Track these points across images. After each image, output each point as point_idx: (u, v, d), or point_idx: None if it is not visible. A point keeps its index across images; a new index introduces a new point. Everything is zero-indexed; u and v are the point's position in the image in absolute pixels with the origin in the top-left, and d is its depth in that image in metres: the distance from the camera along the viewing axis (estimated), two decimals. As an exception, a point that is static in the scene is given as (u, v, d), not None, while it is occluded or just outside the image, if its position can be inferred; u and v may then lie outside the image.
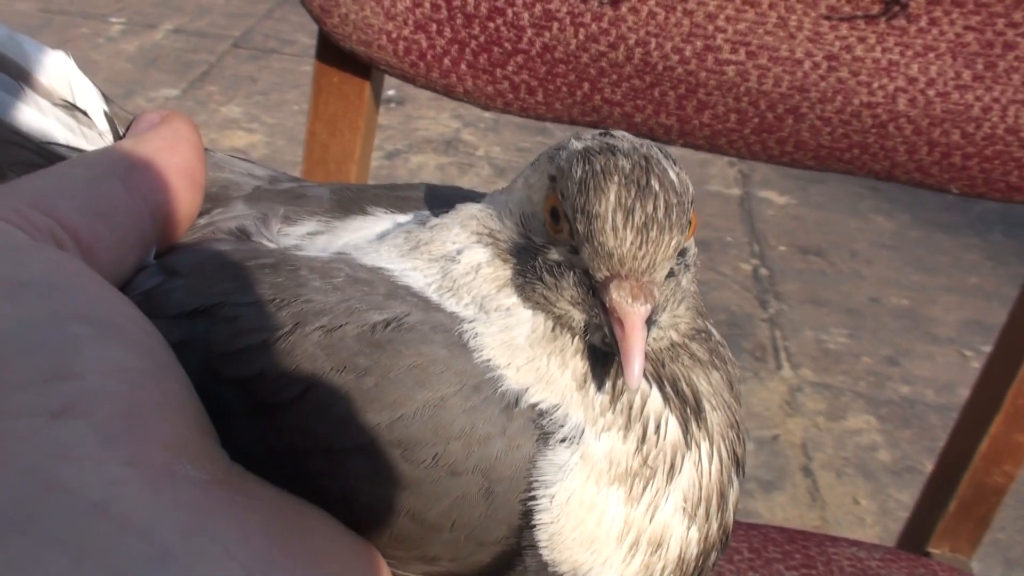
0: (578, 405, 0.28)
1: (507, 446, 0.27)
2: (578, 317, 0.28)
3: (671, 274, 0.29)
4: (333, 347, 0.27)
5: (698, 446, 0.30)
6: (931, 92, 0.59)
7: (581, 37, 0.61)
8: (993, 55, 0.58)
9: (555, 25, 0.61)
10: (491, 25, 0.61)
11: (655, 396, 0.29)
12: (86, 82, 0.36)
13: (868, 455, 1.63)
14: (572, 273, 0.28)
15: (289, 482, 0.26)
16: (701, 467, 0.30)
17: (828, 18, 0.59)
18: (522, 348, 0.28)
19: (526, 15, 0.60)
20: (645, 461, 0.28)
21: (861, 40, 0.59)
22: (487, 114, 2.55)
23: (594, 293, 0.28)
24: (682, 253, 0.29)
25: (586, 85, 0.62)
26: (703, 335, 0.32)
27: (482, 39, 0.61)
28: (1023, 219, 2.23)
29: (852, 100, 0.60)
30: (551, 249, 0.29)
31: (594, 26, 0.60)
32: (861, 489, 1.57)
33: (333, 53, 0.65)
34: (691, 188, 0.29)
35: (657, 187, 0.28)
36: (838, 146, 0.62)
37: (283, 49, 2.73)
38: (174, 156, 0.31)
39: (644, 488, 0.28)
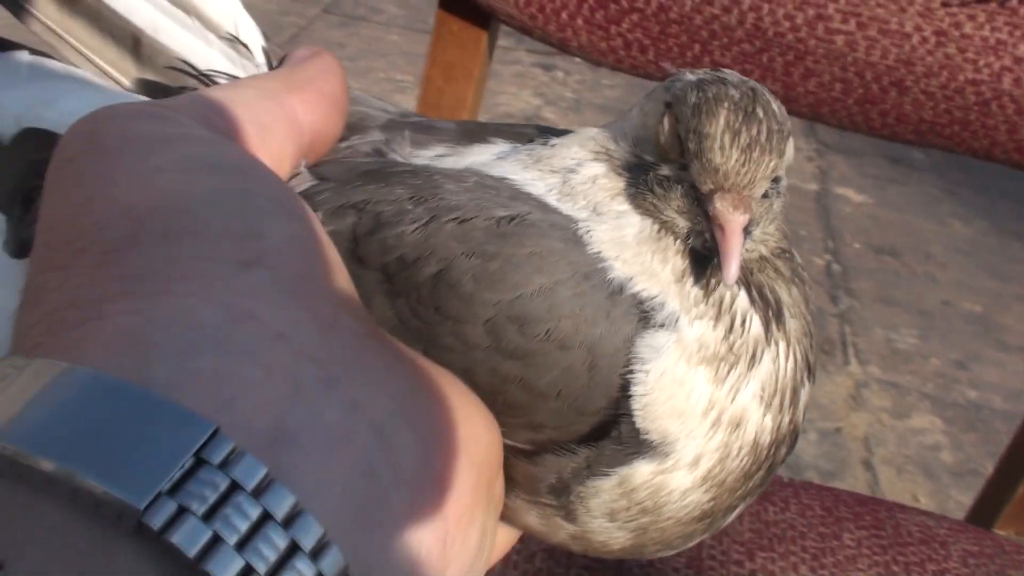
0: (675, 295, 0.32)
1: (610, 326, 0.31)
2: (682, 224, 0.32)
3: (766, 195, 0.32)
4: (464, 235, 0.31)
5: (776, 344, 0.33)
6: (1037, 72, 0.60)
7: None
8: (1102, 39, 0.59)
9: (672, -14, 0.63)
10: (610, -17, 0.63)
11: (743, 296, 0.33)
12: (249, 19, 0.40)
13: (931, 455, 1.63)
14: (680, 186, 0.32)
15: (421, 351, 0.29)
16: (778, 362, 0.33)
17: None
18: (629, 245, 0.32)
19: (645, -25, 0.63)
20: (731, 348, 0.32)
21: (971, 18, 0.60)
22: (568, 93, 2.57)
23: (699, 204, 0.31)
24: (776, 180, 0.33)
25: (697, 47, 0.65)
26: (787, 255, 0.35)
27: (600, -4, 0.64)
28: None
29: (957, 76, 0.62)
30: (662, 166, 0.33)
31: (710, -11, 0.62)
32: (921, 487, 1.57)
33: (455, 1, 0.68)
34: (789, 122, 0.33)
35: (761, 114, 0.31)
36: (939, 121, 0.64)
37: (372, 17, 2.77)
38: (324, 84, 0.35)
39: (728, 372, 0.32)
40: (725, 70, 0.34)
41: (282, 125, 0.33)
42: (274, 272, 0.25)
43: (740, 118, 0.31)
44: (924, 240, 2.18)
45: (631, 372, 0.31)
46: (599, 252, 0.31)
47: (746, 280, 0.33)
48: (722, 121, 0.31)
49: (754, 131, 0.31)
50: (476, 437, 0.27)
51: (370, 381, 0.25)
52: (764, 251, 0.34)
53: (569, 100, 2.50)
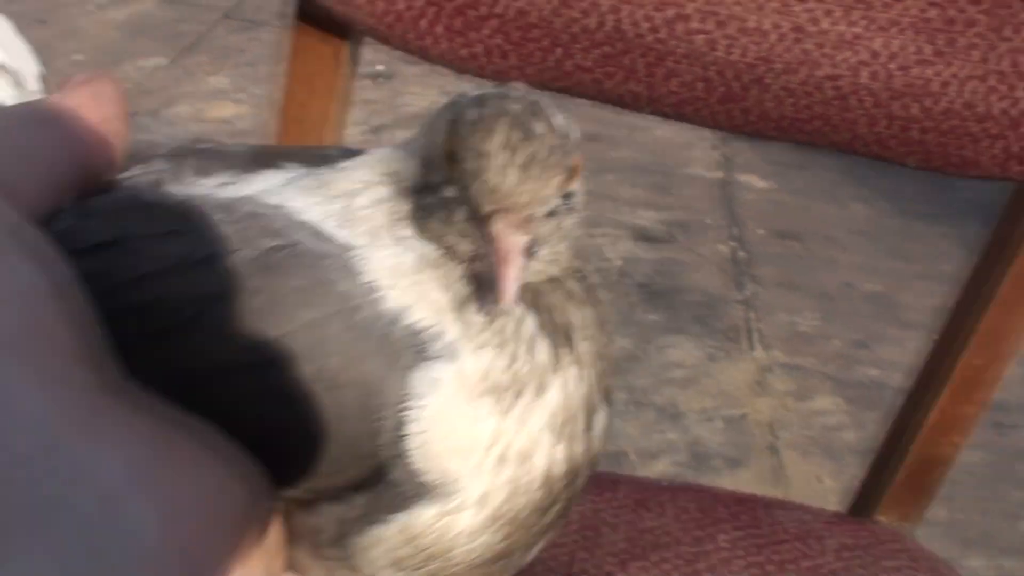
0: (455, 324, 0.30)
1: (383, 362, 0.29)
2: (465, 247, 0.31)
3: (553, 213, 0.31)
4: (226, 271, 0.29)
5: (567, 370, 0.32)
6: (892, 66, 0.61)
7: (555, 2, 0.62)
8: (954, 31, 0.60)
9: (529, -10, 0.62)
10: (467, -12, 0.62)
11: (529, 321, 0.32)
12: (22, 46, 0.39)
13: (834, 435, 1.66)
14: (463, 208, 0.31)
15: (183, 403, 0.27)
16: (569, 389, 0.32)
17: (794, -8, 0.61)
18: (407, 272, 0.31)
19: (501, -21, 0.62)
20: (516, 377, 0.31)
21: (827, 13, 0.61)
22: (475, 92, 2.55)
23: (480, 226, 0.30)
24: (566, 196, 0.32)
25: (559, 51, 0.64)
26: (579, 275, 0.34)
27: (458, 1, 0.63)
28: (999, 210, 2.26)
29: (816, 72, 0.62)
30: (447, 187, 0.31)
31: (567, -8, 0.62)
32: (825, 468, 1.60)
33: (311, 12, 0.66)
34: (576, 135, 0.31)
35: (542, 130, 0.30)
36: (800, 117, 0.64)
37: (273, 21, 2.72)
38: (95, 110, 0.33)
39: (514, 402, 0.31)
40: (513, 84, 0.32)
41: (43, 157, 0.31)
42: None
43: (518, 135, 0.30)
44: (826, 224, 2.22)
45: (406, 409, 0.29)
46: (373, 282, 0.30)
47: (534, 304, 0.32)
48: (499, 138, 0.30)
49: (533, 148, 0.30)
50: (234, 498, 0.25)
51: (101, 445, 0.22)
52: (555, 271, 0.33)
53: (472, 96, 2.49)
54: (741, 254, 2.07)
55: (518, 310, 0.31)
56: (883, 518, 0.82)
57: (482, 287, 0.31)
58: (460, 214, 0.31)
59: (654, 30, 0.62)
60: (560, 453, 0.32)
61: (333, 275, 0.30)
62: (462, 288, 0.31)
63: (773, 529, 0.71)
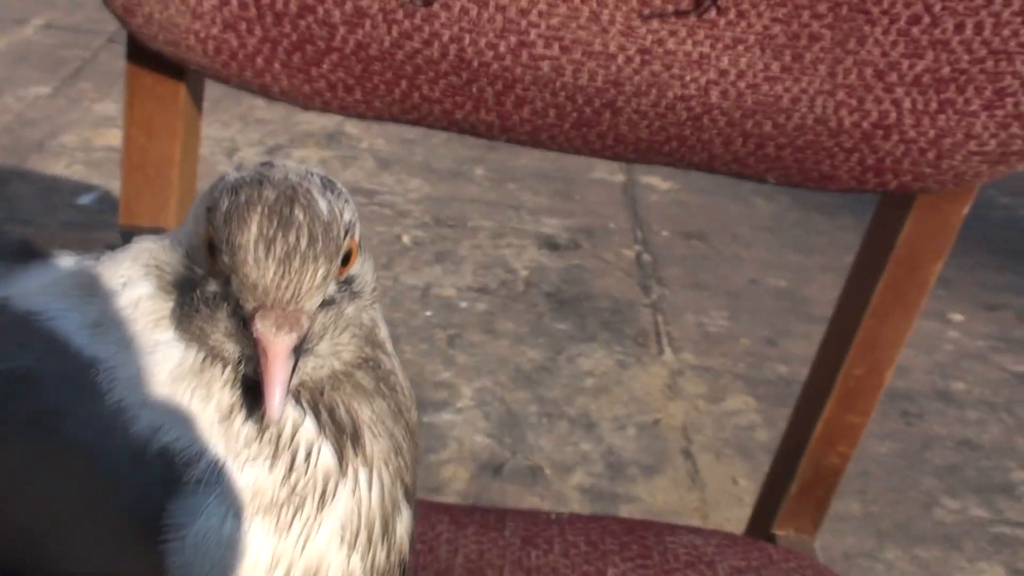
0: (219, 438, 0.28)
1: (136, 492, 0.27)
2: (231, 349, 0.28)
3: (331, 303, 0.29)
4: None
5: (355, 473, 0.30)
6: (742, 84, 0.60)
7: (395, 34, 0.60)
8: (799, 47, 0.59)
9: (367, 22, 0.60)
10: (302, 23, 0.60)
11: (308, 424, 0.29)
12: None
13: (746, 435, 1.66)
14: (226, 304, 0.28)
15: None
16: (359, 494, 0.30)
17: (640, 13, 0.59)
18: (163, 384, 0.28)
19: (337, 12, 0.59)
20: (293, 490, 0.28)
21: (672, 34, 0.59)
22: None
23: (245, 324, 0.28)
24: (347, 281, 0.30)
25: (404, 83, 0.62)
26: (371, 363, 0.32)
27: (294, 37, 0.60)
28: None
29: (666, 93, 0.60)
30: (210, 281, 0.29)
31: (407, 23, 0.59)
32: (740, 469, 1.60)
33: (144, 53, 0.63)
34: (349, 215, 0.29)
35: (301, 217, 0.28)
36: (656, 139, 0.63)
37: (160, 43, 2.66)
38: None
39: (293, 517, 0.28)
40: (277, 162, 0.30)
41: None
42: None
43: (275, 223, 0.27)
44: (730, 221, 2.22)
45: (166, 541, 0.26)
46: (120, 401, 0.27)
47: (313, 402, 0.29)
48: (254, 229, 0.27)
49: (292, 238, 0.27)
50: None
51: None
52: (337, 364, 0.30)
53: (371, 111, 2.45)
54: (647, 257, 2.07)
55: (294, 413, 0.28)
56: (781, 532, 0.81)
57: (250, 393, 0.28)
58: (224, 310, 0.28)
59: (499, 58, 0.60)
60: (357, 563, 0.29)
61: (71, 398, 0.27)
62: (227, 395, 0.28)
63: (664, 557, 0.70)
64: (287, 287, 0.27)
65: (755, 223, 2.23)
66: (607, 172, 2.32)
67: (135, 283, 0.30)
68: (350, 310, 0.30)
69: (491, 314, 1.85)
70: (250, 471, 0.28)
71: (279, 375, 0.26)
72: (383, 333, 0.33)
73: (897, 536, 1.51)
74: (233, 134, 2.29)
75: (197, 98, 0.68)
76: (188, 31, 0.59)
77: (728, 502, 1.54)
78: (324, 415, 0.29)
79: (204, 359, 0.29)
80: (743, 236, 2.17)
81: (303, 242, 0.27)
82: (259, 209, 0.28)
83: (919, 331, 1.95)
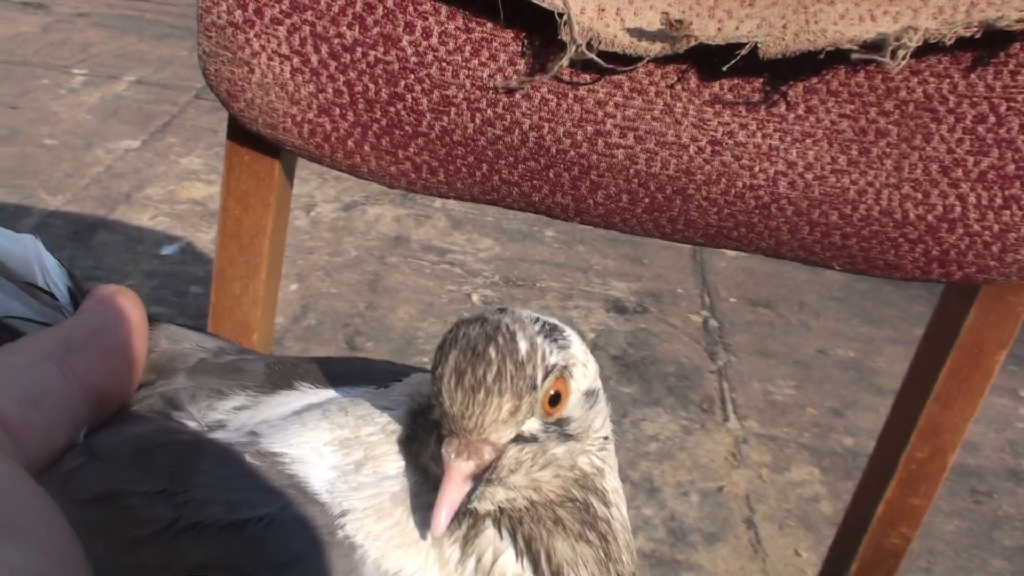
0: (434, 563, 0.30)
1: None
2: (435, 470, 0.31)
3: (532, 440, 0.31)
4: (208, 542, 0.29)
5: None
6: (809, 176, 0.62)
7: (478, 121, 0.63)
8: (866, 141, 0.61)
9: (453, 110, 0.63)
10: (392, 109, 0.63)
11: (510, 554, 0.31)
12: (51, 260, 0.39)
13: (810, 507, 1.65)
14: (436, 431, 0.31)
15: None
16: None
17: (712, 106, 0.62)
18: (387, 512, 0.30)
19: (425, 100, 0.63)
20: None
21: (743, 126, 0.62)
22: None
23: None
24: (559, 423, 0.31)
25: (484, 167, 0.65)
26: (578, 505, 0.33)
27: (384, 123, 0.64)
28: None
29: (736, 183, 0.63)
30: (433, 409, 0.32)
31: (490, 111, 0.63)
32: (803, 541, 1.58)
33: (243, 133, 0.67)
34: (552, 360, 0.31)
35: (493, 354, 0.30)
36: (725, 225, 0.65)
37: (245, 100, 2.75)
38: (111, 337, 0.33)
39: None
40: (513, 309, 0.33)
41: (56, 395, 0.31)
42: None
43: (467, 358, 0.30)
44: (798, 289, 2.22)
45: None
46: (353, 540, 0.29)
47: (512, 531, 0.31)
48: (451, 362, 0.30)
49: (480, 372, 0.30)
50: None
51: None
52: (536, 497, 0.32)
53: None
54: (714, 323, 2.08)
55: (497, 541, 0.30)
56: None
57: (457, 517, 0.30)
58: (433, 437, 0.31)
59: (575, 145, 0.63)
60: None
61: (310, 548, 0.29)
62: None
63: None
64: (470, 417, 0.30)
65: (824, 292, 2.22)
66: (676, 237, 2.34)
67: (384, 413, 0.33)
68: (559, 450, 0.31)
69: (557, 375, 1.86)
70: None
71: (448, 495, 0.28)
72: (610, 483, 0.34)
73: (964, 617, 1.49)
74: (311, 190, 2.36)
75: (290, 174, 0.72)
76: (285, 115, 0.63)
77: (790, 573, 1.53)
78: (521, 544, 0.31)
79: (420, 483, 0.31)
80: (811, 305, 2.17)
81: (489, 377, 0.30)
82: (459, 345, 0.30)
83: (990, 408, 1.92)
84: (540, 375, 0.30)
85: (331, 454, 0.32)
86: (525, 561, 0.31)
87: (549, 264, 2.21)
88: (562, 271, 2.18)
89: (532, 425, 0.30)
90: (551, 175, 0.65)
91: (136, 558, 0.29)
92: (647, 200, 0.65)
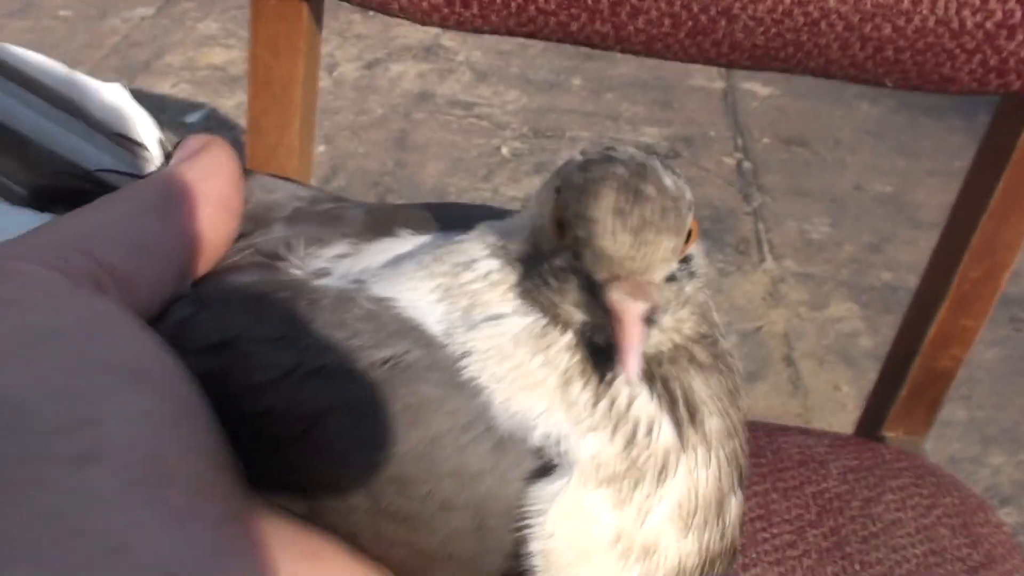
0: (560, 405, 0.29)
1: (497, 481, 0.28)
2: (579, 318, 0.30)
3: (673, 278, 0.30)
4: (332, 386, 0.29)
5: (694, 450, 0.30)
6: (861, -13, 0.59)
7: (511, -53, 0.61)
8: (921, -54, 0.58)
9: (484, -64, 0.60)
10: (421, -61, 0.61)
11: (645, 396, 0.30)
12: (140, 112, 0.38)
13: (849, 342, 1.66)
14: (576, 277, 0.29)
15: (303, 510, 0.28)
16: (697, 473, 0.30)
17: (756, -84, 0.59)
18: (508, 354, 0.29)
19: (455, -72, 0.60)
20: (634, 463, 0.29)
21: (790, -63, 0.59)
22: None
23: (595, 295, 0.29)
24: (685, 260, 0.30)
25: (520, -5, 0.63)
26: (708, 340, 0.32)
27: (413, -46, 0.61)
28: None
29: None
30: (558, 256, 0.30)
31: (523, -64, 0.60)
32: (842, 376, 1.60)
33: (268, -26, 0.65)
34: (689, 195, 0.30)
35: (652, 192, 0.29)
36: (772, 45, 0.63)
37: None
38: (210, 186, 0.33)
39: (633, 491, 0.29)
40: (619, 147, 0.31)
41: (161, 244, 0.31)
42: (113, 464, 0.23)
43: (628, 198, 0.28)
44: (832, 126, 2.18)
45: (526, 526, 0.28)
46: (478, 382, 0.29)
47: (651, 374, 0.30)
48: (609, 203, 0.28)
49: (646, 211, 0.28)
50: None
51: None
52: (678, 339, 0.31)
53: (466, 23, 2.45)
54: (747, 165, 2.05)
55: (630, 385, 0.29)
56: (891, 434, 0.82)
57: (591, 360, 0.30)
58: (572, 284, 0.29)
59: (615, -32, 0.61)
60: (690, 544, 0.30)
61: (440, 391, 0.29)
62: (566, 360, 0.29)
63: (777, 456, 0.72)
64: (640, 258, 0.28)
65: (859, 127, 2.18)
66: (706, 79, 2.29)
67: (482, 261, 0.32)
68: (689, 288, 0.30)
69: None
70: (592, 440, 0.29)
71: (635, 339, 0.27)
72: (717, 318, 0.33)
73: (1003, 441, 1.51)
74: (331, 50, 2.32)
75: (318, 17, 0.70)
76: (311, -49, 0.61)
77: (831, 408, 1.55)
78: (659, 386, 0.30)
79: (544, 326, 0.30)
80: (846, 141, 2.13)
81: (655, 215, 0.28)
82: (613, 184, 0.29)
83: (1030, 235, 1.90)
84: (686, 211, 0.29)
85: (438, 301, 0.31)
86: (662, 403, 0.30)
87: (578, 113, 2.17)
88: (591, 120, 2.15)
89: (673, 265, 0.29)
90: (589, 1, 0.62)
91: (259, 405, 0.29)
92: (690, 23, 0.62)
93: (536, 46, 2.31)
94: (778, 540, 0.63)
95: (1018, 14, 0.58)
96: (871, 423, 0.83)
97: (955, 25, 0.59)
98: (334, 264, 0.34)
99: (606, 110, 2.18)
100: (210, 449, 0.26)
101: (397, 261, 0.33)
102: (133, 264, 0.30)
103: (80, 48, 2.23)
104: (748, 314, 1.70)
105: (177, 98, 2.12)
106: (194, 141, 0.34)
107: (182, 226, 0.32)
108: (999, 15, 0.58)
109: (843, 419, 1.50)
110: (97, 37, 2.29)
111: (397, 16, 0.65)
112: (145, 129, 0.38)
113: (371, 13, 2.45)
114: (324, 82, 2.20)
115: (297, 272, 0.33)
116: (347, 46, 2.35)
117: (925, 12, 0.59)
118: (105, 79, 0.38)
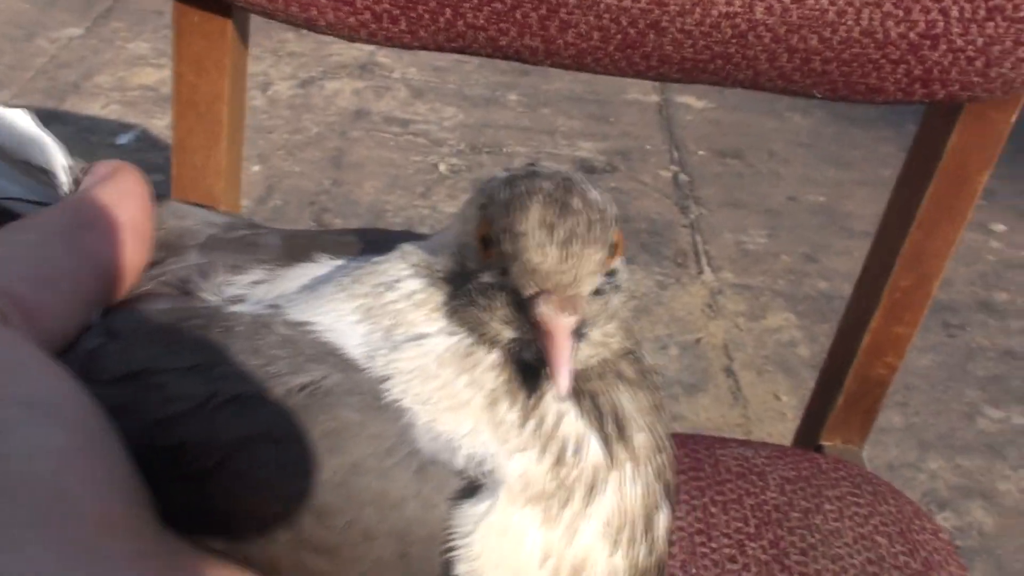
0: (487, 425, 0.29)
1: (421, 506, 0.27)
2: (508, 335, 0.29)
3: (600, 292, 0.30)
4: (249, 416, 0.28)
5: (622, 466, 0.30)
6: (787, -1, 0.59)
7: (438, -38, 0.60)
8: (845, -42, 0.58)
9: (410, -49, 0.60)
10: (346, -45, 0.60)
11: (573, 414, 0.30)
12: (47, 139, 0.37)
13: (788, 352, 1.67)
14: (503, 293, 0.29)
15: (221, 545, 0.27)
16: (625, 489, 0.30)
17: (682, -71, 0.59)
18: (432, 373, 0.29)
19: (380, -57, 0.60)
20: (562, 482, 0.29)
21: (716, -50, 0.59)
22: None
23: (523, 310, 0.28)
24: (611, 274, 0.30)
25: (448, 11, 0.62)
26: (633, 356, 0.32)
27: (338, -30, 0.61)
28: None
29: (711, 11, 0.60)
30: (484, 273, 0.30)
31: (450, -50, 0.60)
32: (781, 385, 1.61)
33: (190, -9, 0.64)
34: (613, 208, 0.30)
35: (578, 205, 0.29)
36: (701, 58, 0.63)
37: None
38: (120, 212, 0.32)
39: (562, 509, 0.29)
40: (540, 163, 0.31)
41: (68, 274, 0.30)
42: (14, 502, 0.22)
43: (556, 211, 0.28)
44: (766, 138, 2.21)
45: (451, 550, 0.27)
46: (400, 404, 0.28)
47: (579, 391, 0.30)
48: (537, 216, 0.28)
49: (573, 224, 0.28)
50: None
51: None
52: (607, 354, 0.31)
53: (401, 40, 2.44)
54: (683, 177, 2.06)
55: (557, 403, 0.29)
56: (829, 443, 0.82)
57: (517, 378, 0.29)
58: (500, 300, 0.29)
59: (543, -18, 0.60)
60: (618, 562, 0.29)
61: (359, 415, 0.28)
62: (492, 380, 0.29)
63: (716, 469, 0.71)
64: (568, 271, 0.28)
65: (791, 139, 2.21)
66: (641, 93, 2.31)
67: (405, 281, 0.31)
68: (615, 301, 0.30)
69: (530, 239, 1.86)
70: (520, 460, 0.28)
71: (565, 354, 0.27)
72: (637, 334, 0.33)
73: (940, 446, 1.53)
74: (266, 68, 2.30)
75: (244, 35, 0.69)
76: (234, -33, 0.60)
77: (771, 418, 1.56)
78: (588, 402, 0.30)
79: (470, 345, 0.29)
80: (780, 153, 2.16)
81: (581, 227, 0.28)
82: (540, 198, 0.29)
83: (961, 242, 1.94)
84: (611, 224, 0.29)
85: (358, 323, 0.31)
86: (591, 419, 0.30)
87: (514, 128, 2.17)
88: (528, 135, 2.15)
89: (599, 278, 0.29)
90: (518, 16, 0.62)
91: (172, 437, 0.28)
92: (620, 36, 0.62)
93: (472, 62, 2.31)
94: (718, 554, 0.62)
95: (941, 25, 0.59)
96: (810, 432, 0.84)
97: (880, 36, 0.59)
98: (249, 291, 0.33)
99: (543, 125, 2.19)
100: (121, 484, 0.25)
101: (315, 285, 0.33)
102: (39, 295, 0.29)
103: (6, 70, 2.18)
104: (688, 326, 1.71)
105: (108, 119, 2.08)
106: (103, 167, 0.33)
107: (91, 254, 0.31)
108: (922, 26, 0.59)
109: (783, 428, 1.51)
110: (24, 58, 2.24)
111: (325, 33, 0.64)
112: (52, 155, 0.37)
113: (303, 32, 2.44)
114: (258, 101, 2.18)
115: (211, 299, 0.33)
116: (281, 64, 2.33)
117: (850, 23, 0.59)
118: (33, 101, 0.37)
